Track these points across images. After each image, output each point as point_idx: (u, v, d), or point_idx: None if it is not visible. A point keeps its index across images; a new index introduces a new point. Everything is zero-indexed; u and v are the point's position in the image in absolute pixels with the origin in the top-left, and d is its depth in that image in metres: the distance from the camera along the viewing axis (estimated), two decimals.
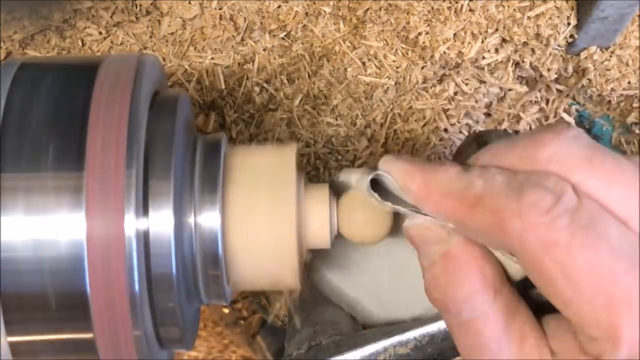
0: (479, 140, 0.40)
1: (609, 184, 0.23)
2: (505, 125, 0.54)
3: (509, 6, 0.49)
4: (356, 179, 0.29)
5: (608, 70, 0.53)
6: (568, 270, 0.22)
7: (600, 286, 0.21)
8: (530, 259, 0.23)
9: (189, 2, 0.49)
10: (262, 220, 0.29)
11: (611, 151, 0.24)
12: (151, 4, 0.50)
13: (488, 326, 0.25)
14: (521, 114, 0.54)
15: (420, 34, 0.49)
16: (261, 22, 0.50)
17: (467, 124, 0.53)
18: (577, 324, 0.23)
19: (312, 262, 0.34)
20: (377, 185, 0.28)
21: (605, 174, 0.23)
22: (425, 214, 0.27)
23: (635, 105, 0.54)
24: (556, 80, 0.54)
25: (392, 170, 0.27)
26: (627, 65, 0.53)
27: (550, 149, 0.24)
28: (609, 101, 0.55)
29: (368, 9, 0.50)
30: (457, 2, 0.49)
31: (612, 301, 0.21)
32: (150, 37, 0.50)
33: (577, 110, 0.56)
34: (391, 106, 0.51)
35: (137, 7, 0.50)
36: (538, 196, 0.22)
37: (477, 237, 0.26)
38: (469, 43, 0.49)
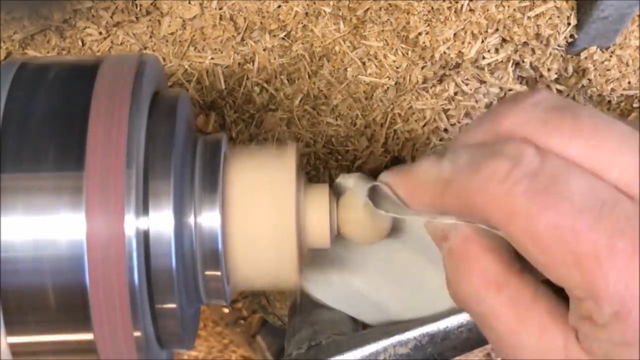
0: None
1: (568, 143, 0.22)
2: None
3: (509, 6, 0.49)
4: (353, 184, 0.29)
5: (608, 70, 0.53)
6: (533, 236, 0.22)
7: (567, 246, 0.21)
8: (501, 229, 0.23)
9: (189, 2, 0.49)
10: (262, 220, 0.29)
11: (580, 109, 0.23)
12: (151, 4, 0.50)
13: (499, 321, 0.24)
14: None
15: (420, 34, 0.49)
16: (261, 22, 0.50)
17: (467, 124, 0.53)
18: (565, 288, 0.22)
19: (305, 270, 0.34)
20: (376, 194, 0.28)
21: (562, 134, 0.23)
22: (424, 215, 0.27)
23: (636, 105, 0.54)
24: (556, 80, 0.54)
25: (387, 183, 0.27)
26: (627, 65, 0.53)
27: (509, 121, 0.24)
28: (609, 101, 0.55)
29: (368, 9, 0.50)
30: (457, 2, 0.49)
31: (581, 259, 0.21)
32: (150, 37, 0.50)
33: None
34: (391, 106, 0.51)
35: (137, 7, 0.50)
36: (495, 165, 0.22)
37: (468, 219, 0.25)
38: (469, 43, 0.49)
